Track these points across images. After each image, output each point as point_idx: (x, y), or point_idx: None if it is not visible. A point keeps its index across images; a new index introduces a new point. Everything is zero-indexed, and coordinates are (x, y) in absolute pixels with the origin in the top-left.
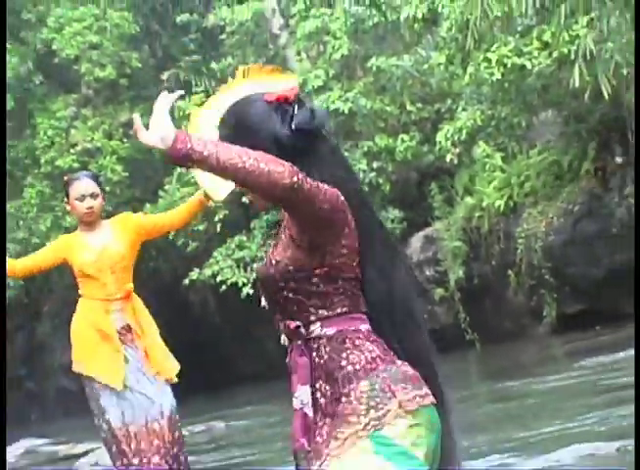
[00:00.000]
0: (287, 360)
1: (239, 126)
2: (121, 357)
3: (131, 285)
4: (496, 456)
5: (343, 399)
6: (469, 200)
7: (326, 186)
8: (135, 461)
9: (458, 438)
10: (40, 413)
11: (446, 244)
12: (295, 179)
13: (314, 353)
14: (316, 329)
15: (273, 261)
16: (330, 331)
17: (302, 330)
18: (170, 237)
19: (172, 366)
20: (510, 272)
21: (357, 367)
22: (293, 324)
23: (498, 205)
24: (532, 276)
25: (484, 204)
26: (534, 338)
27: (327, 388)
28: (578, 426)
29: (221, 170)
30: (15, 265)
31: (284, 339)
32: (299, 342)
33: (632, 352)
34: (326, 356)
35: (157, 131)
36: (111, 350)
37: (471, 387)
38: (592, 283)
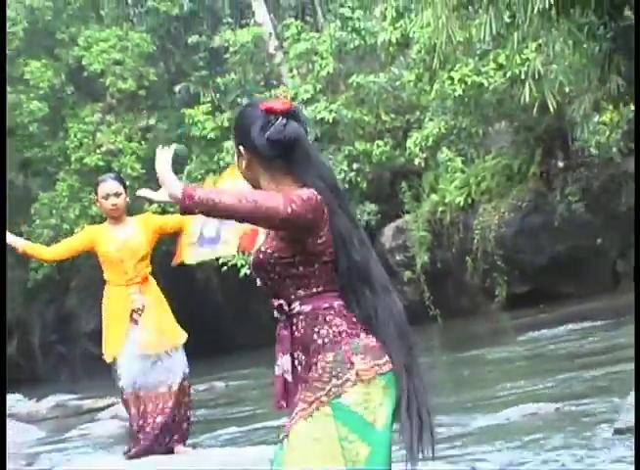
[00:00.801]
0: (277, 332)
1: (236, 126)
2: (124, 335)
3: (148, 270)
4: (455, 414)
5: (313, 368)
6: (433, 197)
7: (306, 192)
8: (140, 422)
9: (424, 397)
10: (69, 373)
11: (414, 233)
12: (289, 211)
13: (294, 327)
14: (296, 306)
15: (262, 249)
16: (306, 308)
17: (285, 307)
18: None
19: (180, 335)
20: (467, 258)
21: (325, 340)
22: (276, 302)
23: (458, 201)
24: (486, 262)
25: (447, 200)
26: (487, 314)
27: (303, 357)
28: (524, 389)
29: (225, 214)
30: (44, 253)
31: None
32: (283, 317)
33: (570, 326)
34: (302, 330)
35: (166, 190)
36: (119, 328)
37: (433, 355)
38: (537, 268)
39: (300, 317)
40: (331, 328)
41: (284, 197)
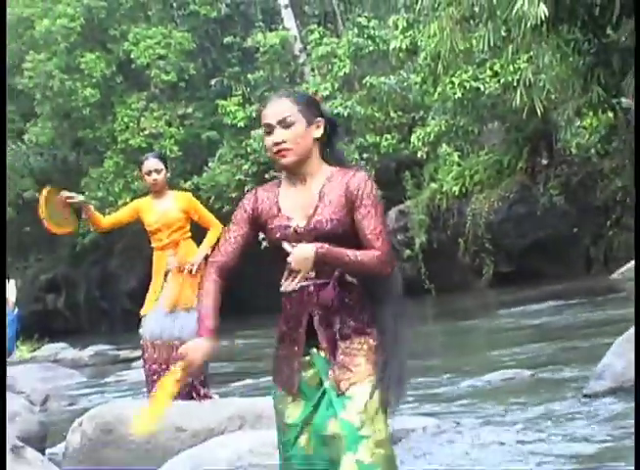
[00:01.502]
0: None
1: (311, 103)
2: (157, 291)
3: (185, 237)
4: (445, 375)
5: (357, 339)
6: (433, 185)
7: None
8: (154, 367)
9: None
10: (108, 326)
11: (414, 217)
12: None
13: (343, 295)
14: (347, 276)
15: (329, 219)
16: (355, 281)
17: (337, 273)
18: (211, 201)
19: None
20: (460, 240)
21: (366, 317)
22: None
23: (454, 190)
24: (476, 244)
25: (444, 189)
26: (475, 290)
27: (349, 323)
28: (504, 356)
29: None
30: (101, 220)
31: (286, 285)
32: (334, 282)
33: (548, 303)
34: (354, 299)
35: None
36: (155, 286)
37: (427, 324)
38: (520, 251)
39: (349, 287)
40: (366, 314)
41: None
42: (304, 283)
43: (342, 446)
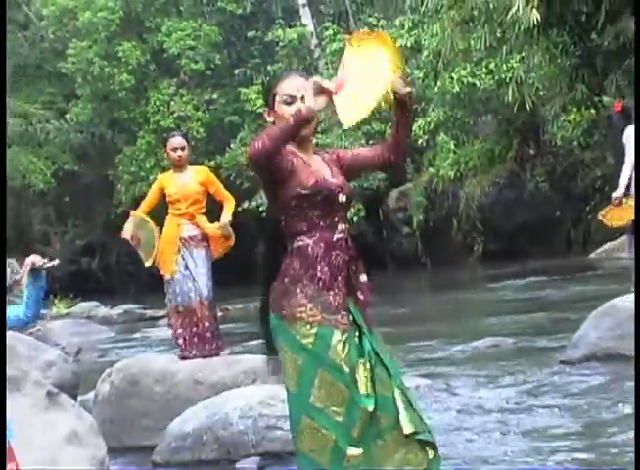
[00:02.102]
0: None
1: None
2: (176, 257)
3: (201, 212)
4: (435, 341)
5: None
6: (431, 170)
7: None
8: (180, 331)
9: None
10: (136, 288)
11: (413, 198)
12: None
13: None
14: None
15: (346, 183)
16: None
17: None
18: (232, 178)
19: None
20: (454, 220)
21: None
22: (344, 226)
23: (450, 175)
24: (468, 223)
25: (441, 173)
26: (467, 265)
27: (362, 268)
28: (490, 325)
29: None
30: (141, 215)
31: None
32: (345, 238)
33: (531, 278)
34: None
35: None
36: (171, 251)
37: (422, 294)
38: (508, 231)
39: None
40: None
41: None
42: (340, 235)
43: (389, 378)
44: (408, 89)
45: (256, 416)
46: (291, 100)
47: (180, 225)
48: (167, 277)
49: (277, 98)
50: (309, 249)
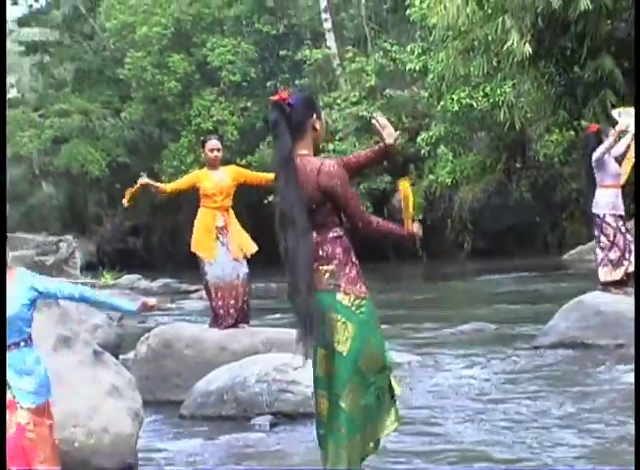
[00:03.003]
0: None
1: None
2: (215, 243)
3: (230, 204)
4: (427, 323)
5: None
6: (431, 176)
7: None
8: (220, 303)
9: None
10: (173, 265)
11: (414, 199)
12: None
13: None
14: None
15: None
16: None
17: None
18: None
19: (253, 247)
20: (448, 220)
21: None
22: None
23: (447, 181)
24: (461, 224)
25: (439, 180)
26: (458, 260)
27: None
28: (476, 312)
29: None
30: (166, 187)
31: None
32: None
33: (512, 274)
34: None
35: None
36: (210, 239)
37: (417, 283)
38: (494, 232)
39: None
40: None
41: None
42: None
43: None
44: (391, 141)
45: (271, 381)
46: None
47: (215, 216)
48: (208, 260)
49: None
50: (344, 238)
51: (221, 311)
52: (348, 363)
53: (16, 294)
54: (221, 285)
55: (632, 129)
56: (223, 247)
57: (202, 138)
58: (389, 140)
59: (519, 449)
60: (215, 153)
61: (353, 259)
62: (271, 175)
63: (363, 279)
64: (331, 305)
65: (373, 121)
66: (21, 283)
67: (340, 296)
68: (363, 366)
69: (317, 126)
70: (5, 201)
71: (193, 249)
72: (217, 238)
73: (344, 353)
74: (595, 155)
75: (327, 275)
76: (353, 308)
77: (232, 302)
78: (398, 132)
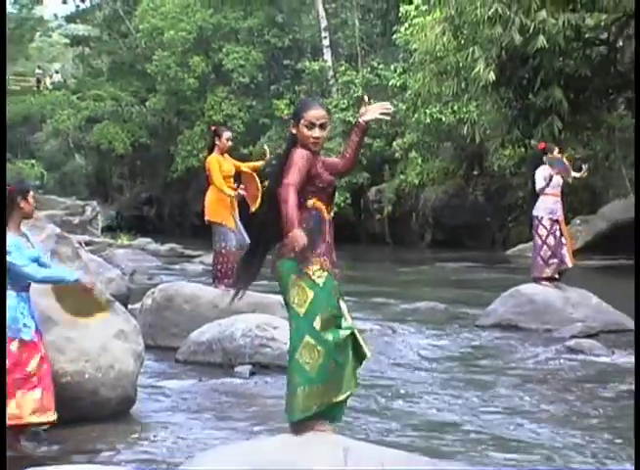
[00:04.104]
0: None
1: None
2: (233, 216)
3: (234, 185)
4: (389, 299)
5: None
6: (402, 176)
7: None
8: (223, 266)
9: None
10: (180, 232)
11: (387, 194)
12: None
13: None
14: None
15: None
16: None
17: None
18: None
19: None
20: (414, 214)
21: None
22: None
23: (415, 182)
24: (424, 218)
25: (408, 180)
26: (419, 248)
27: None
28: (430, 293)
29: None
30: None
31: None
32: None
33: (464, 263)
34: None
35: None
36: (229, 212)
37: (384, 265)
38: (451, 227)
39: None
40: None
41: None
42: (330, 215)
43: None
44: (366, 119)
45: (253, 336)
46: (312, 126)
47: (230, 192)
48: (231, 229)
49: (302, 121)
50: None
51: (230, 272)
52: (305, 323)
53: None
54: (237, 252)
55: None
56: (236, 220)
57: (214, 128)
58: (366, 117)
59: (444, 396)
60: (229, 142)
61: (327, 238)
62: (245, 166)
63: (330, 255)
64: (294, 270)
65: (365, 98)
66: (30, 238)
67: (302, 265)
68: (318, 327)
69: (292, 130)
70: (5, 201)
71: (213, 219)
72: (232, 212)
73: (301, 314)
74: (538, 173)
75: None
76: (314, 277)
77: (234, 266)
78: (375, 115)
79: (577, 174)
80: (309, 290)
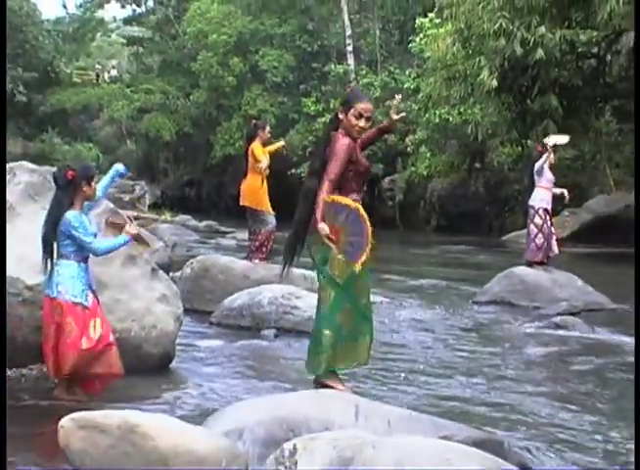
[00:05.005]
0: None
1: None
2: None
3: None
4: (398, 276)
5: None
6: (412, 168)
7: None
8: (267, 244)
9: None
10: (216, 211)
11: (398, 184)
12: None
13: None
14: None
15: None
16: None
17: None
18: (285, 154)
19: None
20: (422, 202)
21: None
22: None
23: (424, 173)
24: (430, 206)
25: (418, 172)
26: (425, 232)
27: None
28: (433, 270)
29: None
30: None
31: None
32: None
33: (463, 246)
34: None
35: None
36: (267, 198)
37: (394, 246)
38: (454, 215)
39: None
40: None
41: None
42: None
43: None
44: (397, 117)
45: (278, 304)
46: (359, 116)
47: (265, 180)
48: (270, 213)
49: (352, 110)
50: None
51: (264, 249)
52: (345, 291)
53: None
54: (269, 232)
55: (551, 142)
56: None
57: (254, 121)
58: (395, 117)
59: (449, 359)
60: (268, 134)
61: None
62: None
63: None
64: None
65: (397, 98)
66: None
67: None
68: (355, 293)
69: (340, 116)
70: (5, 201)
71: (251, 204)
72: (267, 197)
73: (341, 283)
74: (537, 164)
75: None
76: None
77: (266, 242)
78: (403, 114)
79: (548, 155)
80: (347, 268)
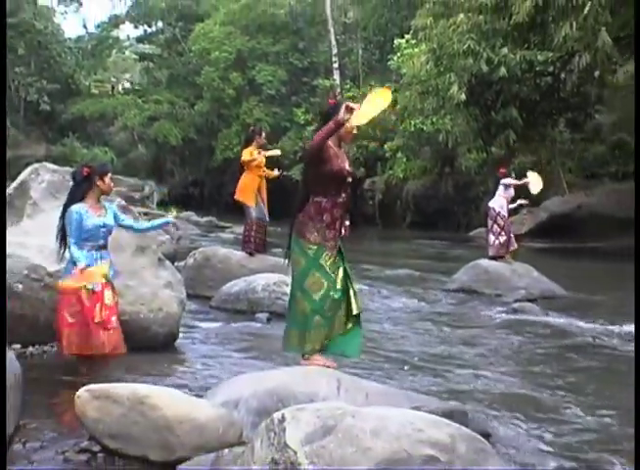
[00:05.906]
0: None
1: None
2: (257, 197)
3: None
4: (376, 266)
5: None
6: (390, 172)
7: None
8: (253, 234)
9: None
10: (217, 208)
11: (378, 185)
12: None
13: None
14: None
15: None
16: None
17: None
18: (279, 158)
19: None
20: (398, 201)
21: None
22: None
23: (400, 176)
24: (406, 205)
25: (395, 174)
26: (402, 228)
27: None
28: (407, 262)
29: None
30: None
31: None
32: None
33: (435, 241)
34: None
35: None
36: (254, 194)
37: (373, 241)
38: (427, 213)
39: None
40: None
41: None
42: (342, 199)
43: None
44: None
45: (271, 290)
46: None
47: (260, 180)
48: (251, 206)
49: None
50: (322, 204)
51: (253, 240)
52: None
53: (109, 215)
54: (253, 223)
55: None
56: (261, 200)
57: (252, 128)
58: (345, 117)
59: (421, 340)
60: (264, 140)
61: (324, 219)
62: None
63: (325, 233)
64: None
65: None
66: (109, 210)
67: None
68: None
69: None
70: (4, 201)
71: (241, 199)
72: (258, 194)
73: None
74: (507, 181)
75: (297, 224)
76: (305, 249)
77: (259, 235)
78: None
79: (520, 182)
80: (302, 257)
